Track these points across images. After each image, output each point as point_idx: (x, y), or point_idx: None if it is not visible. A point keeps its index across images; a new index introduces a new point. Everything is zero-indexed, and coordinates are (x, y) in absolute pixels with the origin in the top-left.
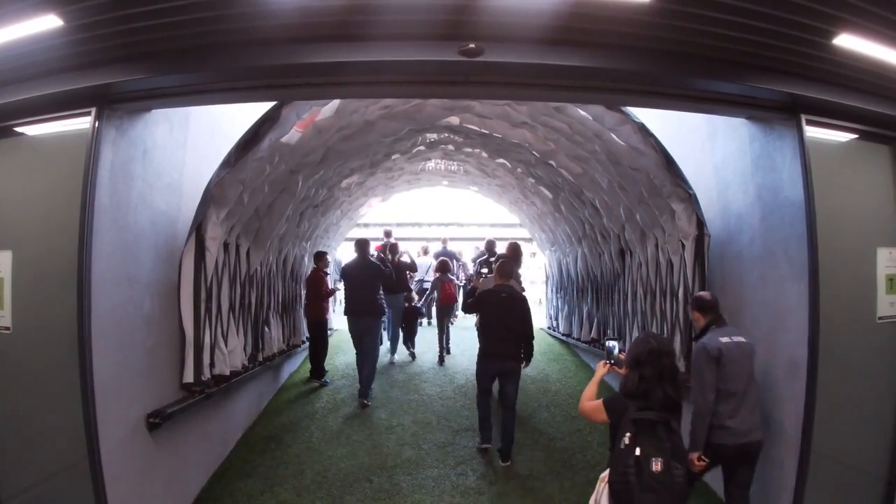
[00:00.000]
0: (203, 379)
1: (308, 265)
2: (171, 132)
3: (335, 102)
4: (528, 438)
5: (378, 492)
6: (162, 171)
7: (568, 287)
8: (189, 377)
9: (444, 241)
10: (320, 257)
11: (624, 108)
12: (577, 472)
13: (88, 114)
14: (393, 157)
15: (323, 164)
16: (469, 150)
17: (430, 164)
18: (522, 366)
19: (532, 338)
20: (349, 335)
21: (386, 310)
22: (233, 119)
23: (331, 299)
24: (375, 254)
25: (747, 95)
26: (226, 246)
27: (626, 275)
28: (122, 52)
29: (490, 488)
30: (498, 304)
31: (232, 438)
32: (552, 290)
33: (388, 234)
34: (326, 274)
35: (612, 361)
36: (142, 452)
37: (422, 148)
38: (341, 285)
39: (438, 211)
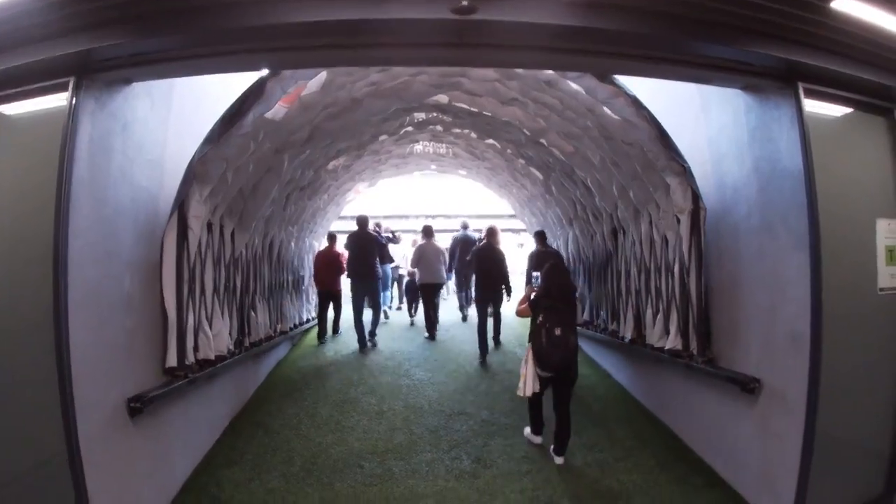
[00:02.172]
0: (187, 363)
1: (295, 250)
2: (152, 107)
3: (321, 77)
4: (524, 422)
5: (369, 477)
6: (143, 146)
7: None
8: (172, 361)
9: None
10: (333, 237)
11: (617, 81)
12: (573, 453)
13: (66, 85)
14: (380, 138)
15: (309, 143)
16: (458, 130)
17: (419, 147)
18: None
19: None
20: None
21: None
22: (217, 97)
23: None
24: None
25: (743, 61)
26: (209, 226)
27: (619, 254)
28: (101, 17)
29: (485, 471)
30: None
31: (219, 425)
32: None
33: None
34: (339, 253)
35: (535, 286)
36: (123, 439)
37: (410, 129)
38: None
39: (426, 202)
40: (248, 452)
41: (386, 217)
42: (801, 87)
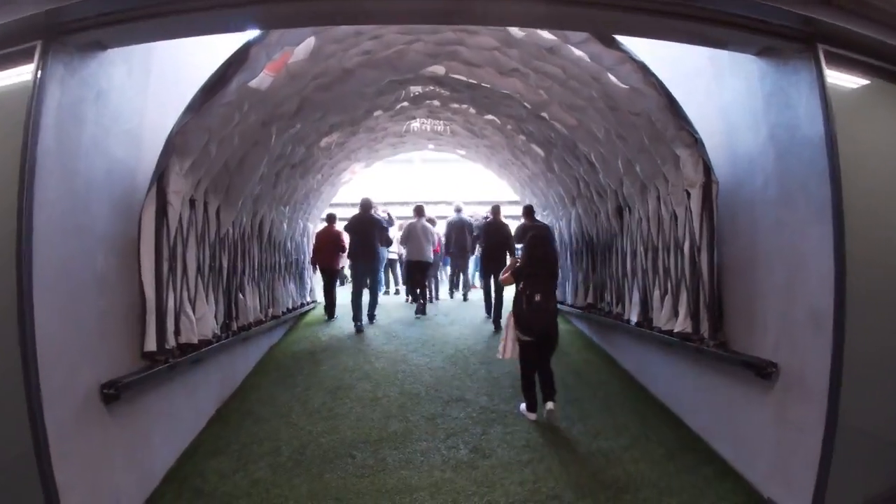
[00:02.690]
0: (167, 347)
1: (288, 231)
2: (129, 75)
3: (309, 43)
4: None
5: (361, 468)
6: (119, 117)
7: (561, 252)
8: (151, 345)
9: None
10: (332, 217)
11: (623, 46)
12: (577, 442)
13: (33, 51)
14: (375, 114)
15: (298, 116)
16: (456, 105)
17: (416, 125)
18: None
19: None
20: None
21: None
22: (200, 66)
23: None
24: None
25: (760, 19)
26: (192, 202)
27: (624, 233)
28: None
29: (483, 462)
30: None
31: (204, 413)
32: None
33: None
34: (339, 233)
35: (518, 258)
36: (96, 428)
37: (406, 104)
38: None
39: (427, 189)
40: (234, 442)
41: (386, 203)
42: (821, 49)
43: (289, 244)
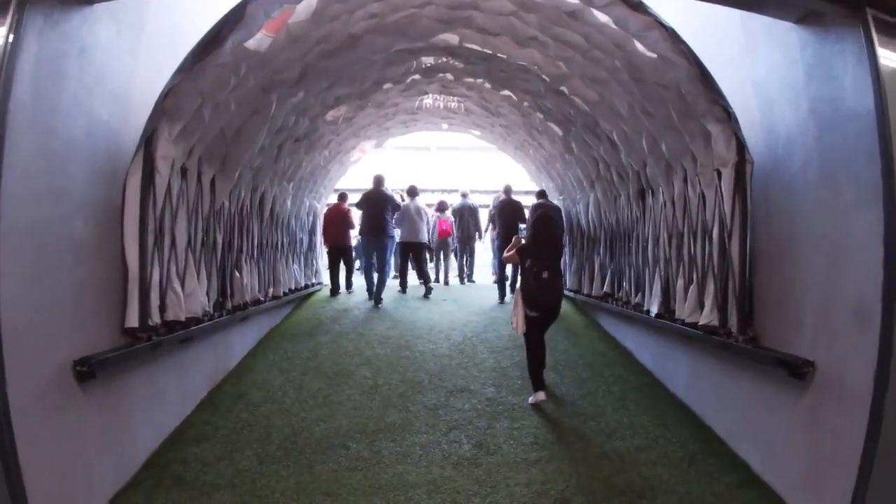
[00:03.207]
0: (150, 324)
1: (292, 209)
2: (118, 33)
3: (311, 2)
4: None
5: (354, 460)
6: (105, 76)
7: (577, 238)
8: (133, 321)
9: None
10: (343, 196)
11: (650, 10)
12: (589, 441)
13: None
14: (385, 86)
15: (301, 84)
16: (470, 80)
17: (428, 101)
18: None
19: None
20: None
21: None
22: (197, 26)
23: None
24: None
25: None
26: (184, 171)
27: (646, 218)
28: None
29: (487, 459)
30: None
31: (194, 396)
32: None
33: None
34: (348, 210)
35: (522, 237)
36: (68, 409)
37: (417, 77)
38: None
39: (442, 178)
40: (222, 427)
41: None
42: (870, 14)
43: (293, 222)
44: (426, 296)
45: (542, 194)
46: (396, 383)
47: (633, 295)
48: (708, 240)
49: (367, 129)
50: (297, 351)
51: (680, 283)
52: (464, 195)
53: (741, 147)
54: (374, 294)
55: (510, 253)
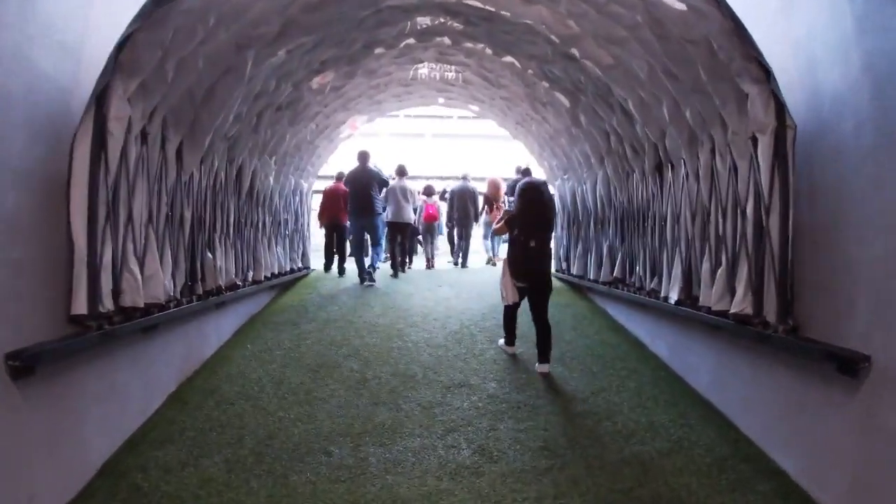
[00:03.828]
0: (102, 310)
1: (275, 186)
2: None
3: None
4: (541, 399)
5: (336, 469)
6: (52, 25)
7: (583, 220)
8: (80, 307)
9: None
10: (341, 175)
11: None
12: (605, 445)
13: None
14: (376, 51)
15: (281, 42)
16: (470, 45)
17: (423, 71)
18: None
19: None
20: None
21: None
22: None
23: None
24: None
25: None
26: (144, 136)
27: (664, 195)
28: None
29: (490, 467)
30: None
31: (160, 392)
32: (562, 227)
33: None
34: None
35: (510, 209)
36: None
37: (411, 41)
38: None
39: (437, 165)
40: (190, 428)
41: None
42: None
43: (276, 201)
44: (401, 271)
45: (526, 172)
46: (387, 377)
47: (647, 280)
48: (741, 216)
49: (358, 102)
50: (278, 340)
51: (705, 266)
52: (464, 177)
53: (781, 110)
54: (367, 273)
55: (499, 224)
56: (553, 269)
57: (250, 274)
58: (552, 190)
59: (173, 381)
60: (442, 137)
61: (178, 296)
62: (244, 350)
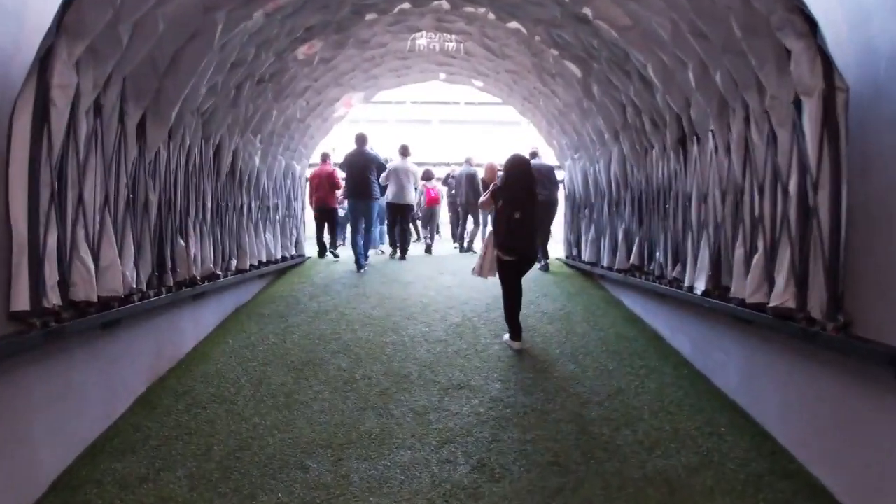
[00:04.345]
0: (47, 306)
1: (261, 166)
2: None
3: None
4: (551, 402)
5: (312, 488)
6: None
7: (596, 202)
8: (21, 302)
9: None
10: (326, 156)
11: None
12: (626, 459)
13: None
14: (367, 16)
15: (256, 3)
16: (471, 9)
17: (422, 42)
18: None
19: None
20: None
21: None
22: None
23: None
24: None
25: None
26: (98, 108)
27: (688, 171)
28: None
29: (491, 487)
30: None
31: (125, 395)
32: (572, 211)
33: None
34: (334, 170)
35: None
36: None
37: (406, 5)
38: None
39: (443, 152)
40: (155, 436)
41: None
42: None
43: (264, 183)
44: (402, 257)
45: (534, 154)
46: (378, 377)
47: (668, 268)
48: (782, 194)
49: (352, 78)
50: (262, 335)
51: (738, 252)
52: (468, 161)
53: (829, 70)
54: (361, 262)
55: (485, 199)
56: (563, 255)
57: (233, 262)
58: (561, 173)
59: (142, 382)
60: (449, 124)
61: (144, 288)
62: (224, 346)
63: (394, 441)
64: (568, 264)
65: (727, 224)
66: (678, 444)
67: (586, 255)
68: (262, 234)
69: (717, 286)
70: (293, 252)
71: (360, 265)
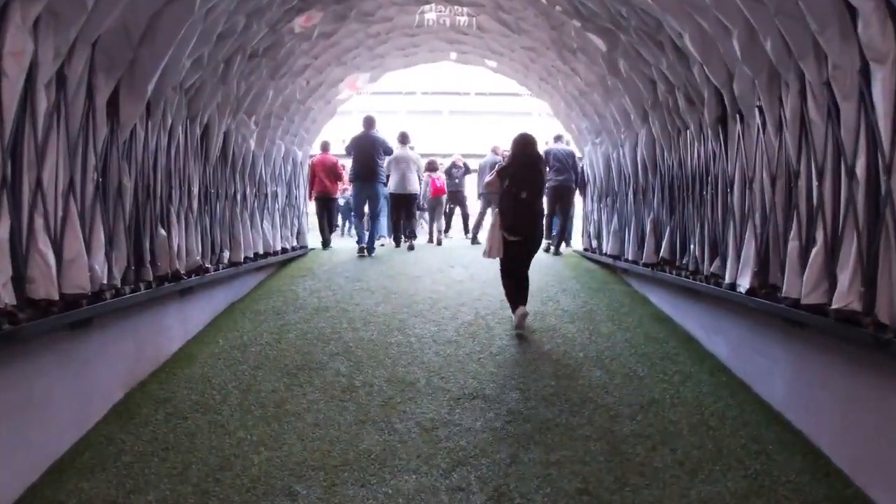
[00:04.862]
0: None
1: (258, 151)
2: None
3: None
4: (576, 416)
5: None
6: None
7: (620, 190)
8: None
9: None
10: (326, 145)
11: None
12: (665, 485)
13: None
14: None
15: None
16: None
17: (430, 16)
18: None
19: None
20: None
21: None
22: None
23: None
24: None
25: None
26: (61, 80)
27: (729, 154)
28: None
29: None
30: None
31: (100, 402)
32: (593, 200)
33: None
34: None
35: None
36: None
37: None
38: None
39: (454, 142)
40: (129, 451)
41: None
42: None
43: (261, 169)
44: (409, 247)
45: (558, 138)
46: (380, 384)
47: (704, 262)
48: (847, 178)
49: (355, 56)
50: (256, 334)
51: (792, 245)
52: (494, 150)
53: None
54: (367, 245)
55: (491, 177)
56: (581, 248)
57: (226, 255)
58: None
59: (119, 387)
60: (459, 114)
61: (119, 283)
62: (214, 346)
63: (397, 463)
64: (587, 257)
65: (778, 213)
66: (723, 466)
67: (608, 247)
68: (259, 224)
69: (765, 284)
70: (294, 243)
71: (369, 248)
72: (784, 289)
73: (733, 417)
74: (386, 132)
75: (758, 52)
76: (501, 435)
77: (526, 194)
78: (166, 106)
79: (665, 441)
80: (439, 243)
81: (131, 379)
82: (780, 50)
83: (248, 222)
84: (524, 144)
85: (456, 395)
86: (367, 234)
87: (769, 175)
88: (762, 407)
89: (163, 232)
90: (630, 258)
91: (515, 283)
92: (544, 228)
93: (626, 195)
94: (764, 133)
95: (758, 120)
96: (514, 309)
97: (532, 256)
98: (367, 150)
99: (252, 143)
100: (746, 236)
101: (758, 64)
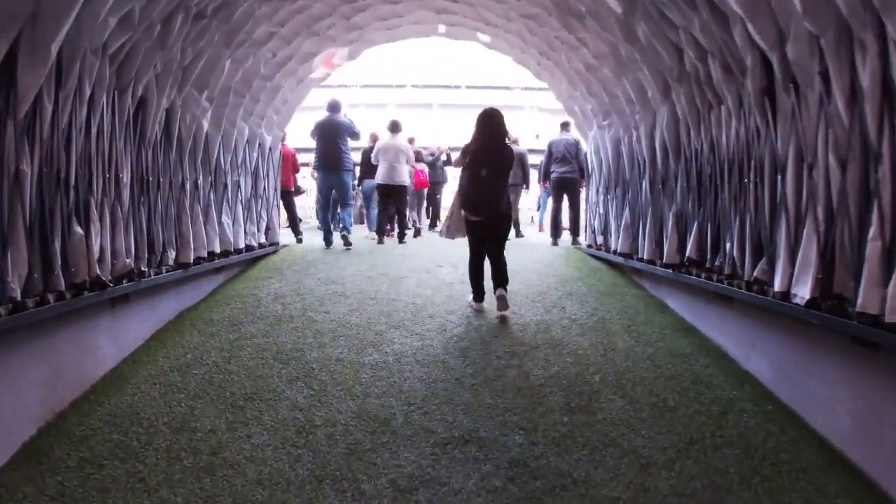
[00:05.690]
0: None
1: (214, 134)
2: None
3: None
4: (598, 467)
5: None
6: None
7: (632, 179)
8: None
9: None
10: (283, 135)
11: None
12: None
13: None
14: None
15: None
16: None
17: None
18: None
19: None
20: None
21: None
22: None
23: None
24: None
25: None
26: None
27: (778, 133)
28: None
29: None
30: None
31: (6, 440)
32: (598, 191)
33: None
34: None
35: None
36: None
37: None
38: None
39: (445, 136)
40: None
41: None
42: None
43: (218, 155)
44: (400, 241)
45: (565, 125)
46: (346, 422)
47: (745, 264)
48: None
49: (330, 26)
50: (203, 351)
51: (872, 247)
52: (514, 142)
53: None
54: (343, 237)
55: (458, 156)
56: (584, 244)
57: (170, 255)
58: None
59: (29, 421)
60: (450, 108)
61: (19, 296)
62: (152, 367)
63: None
64: (592, 255)
65: (850, 205)
66: None
67: (617, 244)
68: (216, 219)
69: (830, 294)
70: (262, 240)
71: (328, 241)
72: (859, 302)
73: (789, 462)
74: (376, 126)
75: (823, 5)
76: (502, 500)
77: (486, 171)
78: (83, 73)
79: (709, 487)
80: (417, 233)
81: (46, 410)
82: (854, 1)
83: (202, 217)
84: (487, 119)
85: (442, 439)
86: (329, 231)
87: (836, 158)
88: (820, 445)
89: (79, 230)
90: (645, 257)
91: (492, 271)
92: (512, 211)
93: (641, 185)
94: (827, 104)
95: (819, 89)
96: (475, 296)
97: (502, 239)
98: (331, 136)
99: (205, 124)
100: (805, 234)
101: (822, 20)
